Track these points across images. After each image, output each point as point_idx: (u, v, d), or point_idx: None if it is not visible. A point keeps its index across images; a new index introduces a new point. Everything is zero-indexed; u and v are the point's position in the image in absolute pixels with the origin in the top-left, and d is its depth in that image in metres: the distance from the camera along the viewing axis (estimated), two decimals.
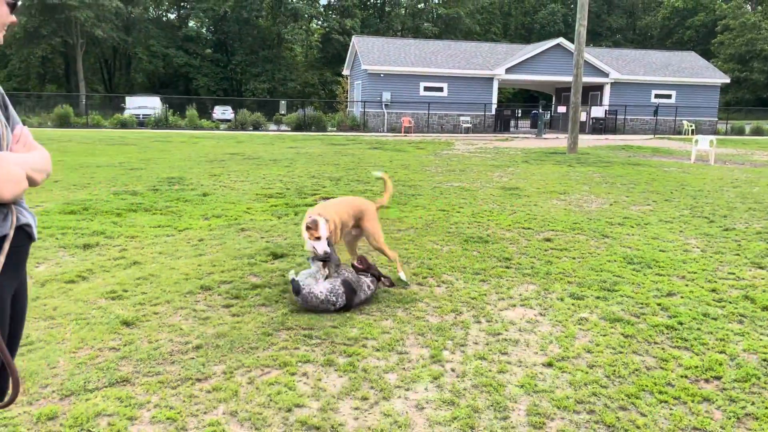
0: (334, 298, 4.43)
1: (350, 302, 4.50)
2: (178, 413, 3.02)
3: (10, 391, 1.82)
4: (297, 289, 4.43)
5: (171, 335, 4.00)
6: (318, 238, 4.51)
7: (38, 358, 3.57)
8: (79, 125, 31.39)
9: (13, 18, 1.80)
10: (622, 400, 3.25)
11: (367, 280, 4.66)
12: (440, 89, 34.71)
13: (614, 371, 3.59)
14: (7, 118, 1.87)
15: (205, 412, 3.05)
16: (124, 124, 31.99)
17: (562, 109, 36.83)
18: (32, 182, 1.81)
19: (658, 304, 4.79)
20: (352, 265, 4.82)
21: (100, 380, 3.33)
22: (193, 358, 3.66)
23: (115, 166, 13.59)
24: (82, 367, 3.48)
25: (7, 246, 1.74)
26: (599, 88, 36.85)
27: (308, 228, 4.53)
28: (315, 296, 4.40)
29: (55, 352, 3.68)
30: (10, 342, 1.91)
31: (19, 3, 1.80)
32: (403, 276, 5.26)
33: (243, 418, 3.00)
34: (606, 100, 36.42)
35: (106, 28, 49.14)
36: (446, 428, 2.96)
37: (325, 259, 4.60)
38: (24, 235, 1.85)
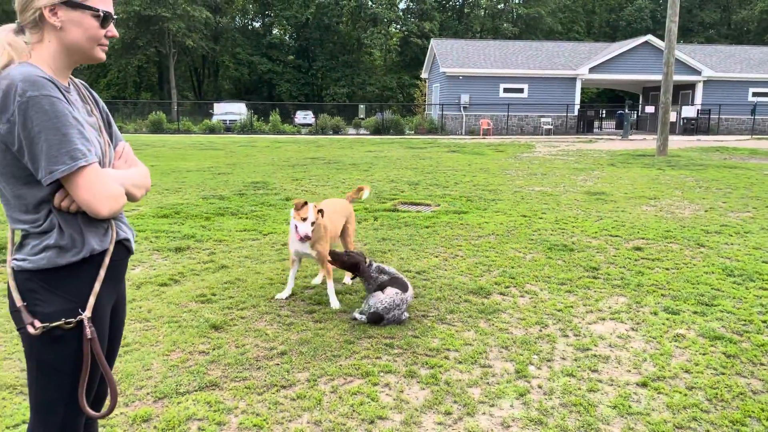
0: (401, 303, 4.36)
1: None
2: (264, 420, 3.07)
3: (108, 401, 1.88)
4: (379, 317, 4.33)
5: (257, 340, 4.08)
6: (304, 219, 4.54)
7: (134, 360, 3.74)
8: (170, 131, 32.97)
9: (113, 31, 1.82)
10: (726, 426, 3.03)
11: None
12: (520, 90, 34.04)
13: (716, 394, 3.36)
14: (111, 135, 1.95)
15: (290, 420, 3.09)
16: (212, 130, 33.34)
17: (649, 109, 35.23)
18: (131, 198, 1.87)
19: (764, 321, 4.46)
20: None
21: (190, 384, 3.44)
22: (278, 365, 3.72)
23: (203, 170, 14.15)
24: (174, 370, 3.61)
25: (107, 260, 1.81)
26: (691, 86, 35.01)
27: (297, 208, 4.59)
28: (394, 307, 4.34)
29: (150, 354, 3.84)
30: (108, 353, 1.99)
31: (115, 16, 1.83)
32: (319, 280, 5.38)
33: (327, 428, 3.01)
34: (698, 99, 34.54)
35: (195, 37, 51.43)
36: None
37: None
38: (123, 249, 1.92)
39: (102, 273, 1.79)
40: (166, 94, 54.24)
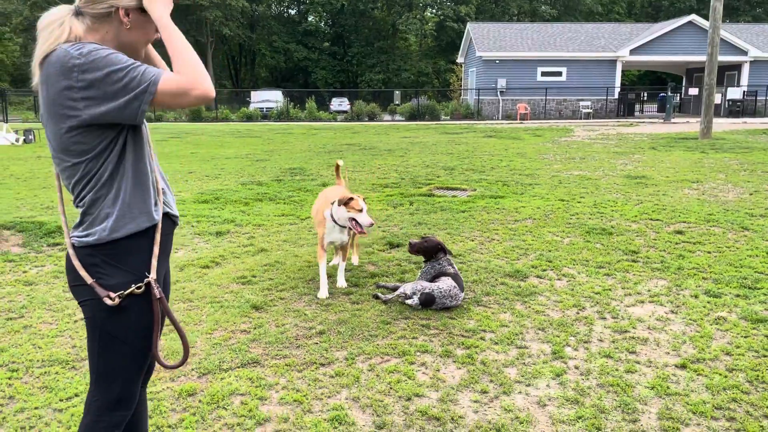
0: (454, 297, 4.38)
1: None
2: (304, 396, 3.16)
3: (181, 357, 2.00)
4: (432, 299, 4.34)
5: (296, 320, 4.18)
6: (360, 211, 4.63)
7: (178, 339, 3.86)
8: (209, 119, 33.48)
9: (159, 35, 1.84)
10: (767, 408, 2.99)
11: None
12: (558, 74, 33.45)
13: (757, 376, 3.31)
14: None
15: (329, 396, 3.17)
16: (249, 117, 33.75)
17: (693, 91, 34.22)
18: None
19: None
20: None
21: (233, 361, 3.56)
22: (316, 343, 3.80)
23: (242, 157, 14.37)
24: (217, 348, 3.73)
25: (158, 236, 1.90)
26: (736, 67, 33.85)
27: (344, 203, 4.66)
28: (447, 296, 4.36)
29: (194, 333, 3.97)
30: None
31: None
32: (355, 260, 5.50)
33: (364, 405, 3.08)
34: (744, 80, 33.38)
35: (232, 26, 51.97)
36: (571, 428, 2.87)
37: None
38: (170, 223, 2.01)
39: (157, 243, 1.88)
40: None
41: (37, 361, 3.55)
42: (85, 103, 1.67)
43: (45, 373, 3.41)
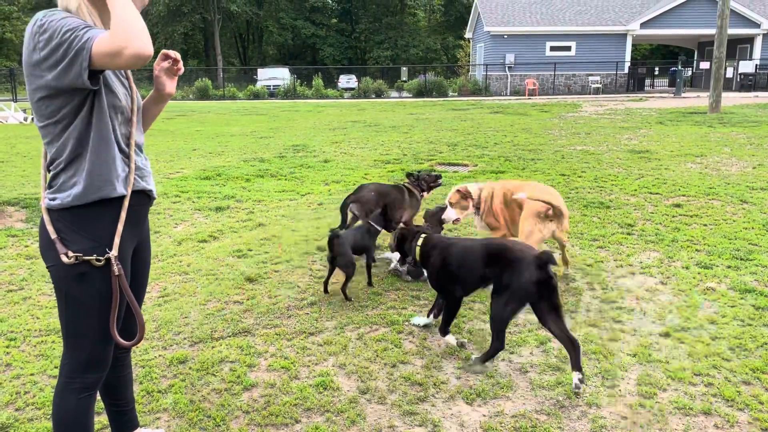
0: None
1: None
2: (292, 363, 3.24)
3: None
4: (418, 272, 4.35)
5: (289, 291, 4.25)
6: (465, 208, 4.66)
7: (173, 309, 3.96)
8: (216, 97, 33.48)
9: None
10: (746, 374, 3.04)
11: None
12: (568, 48, 33.04)
13: (740, 344, 3.35)
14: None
15: (316, 363, 3.25)
16: (256, 95, 33.70)
17: (705, 65, 33.69)
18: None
19: None
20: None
21: (224, 330, 3.64)
22: (307, 314, 3.88)
23: (246, 135, 14.41)
24: (209, 318, 3.82)
25: (126, 204, 1.94)
26: (749, 40, 33.26)
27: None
28: None
29: (188, 303, 4.06)
30: (136, 291, 2.15)
31: None
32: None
33: (350, 371, 3.16)
34: (757, 53, 32.80)
35: (240, 2, 51.60)
36: (549, 392, 2.93)
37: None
38: (144, 196, 2.05)
39: (122, 220, 1.92)
40: (212, 61, 54.87)
41: (35, 330, 3.65)
42: (45, 65, 1.73)
43: (42, 342, 3.50)
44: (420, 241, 3.55)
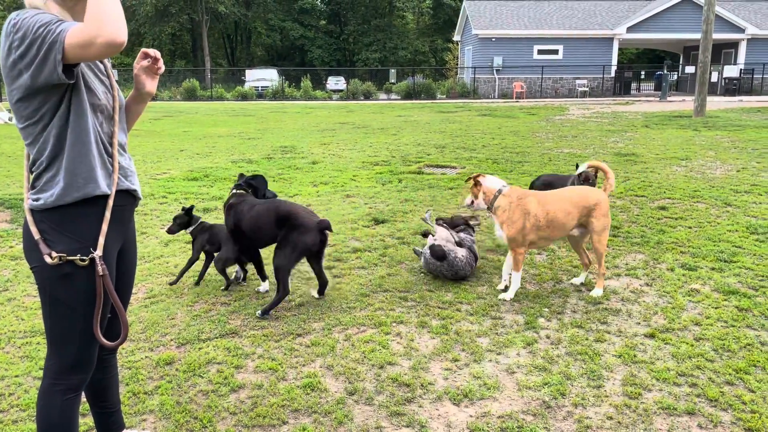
0: (469, 267, 4.45)
1: (473, 269, 4.56)
2: (279, 364, 3.23)
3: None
4: (442, 254, 4.38)
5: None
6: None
7: (160, 310, 3.94)
8: (204, 98, 33.33)
9: None
10: (729, 374, 3.08)
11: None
12: (555, 52, 33.26)
13: (723, 345, 3.39)
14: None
15: (303, 365, 3.25)
16: (244, 96, 33.58)
17: (690, 69, 34.06)
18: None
19: None
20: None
21: (212, 331, 3.63)
22: (295, 315, 3.87)
23: (234, 136, 14.36)
24: (197, 320, 3.80)
25: (110, 203, 1.93)
26: (734, 45, 33.66)
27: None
28: (459, 260, 4.40)
29: (175, 305, 4.04)
30: (122, 291, 2.15)
31: None
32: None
33: (338, 372, 3.16)
34: (741, 58, 33.21)
35: (228, 3, 51.41)
36: (536, 393, 2.95)
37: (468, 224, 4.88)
38: (129, 196, 2.05)
39: (106, 219, 1.92)
40: (200, 62, 54.61)
41: (20, 332, 3.62)
42: (22, 63, 1.71)
43: (26, 343, 3.47)
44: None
